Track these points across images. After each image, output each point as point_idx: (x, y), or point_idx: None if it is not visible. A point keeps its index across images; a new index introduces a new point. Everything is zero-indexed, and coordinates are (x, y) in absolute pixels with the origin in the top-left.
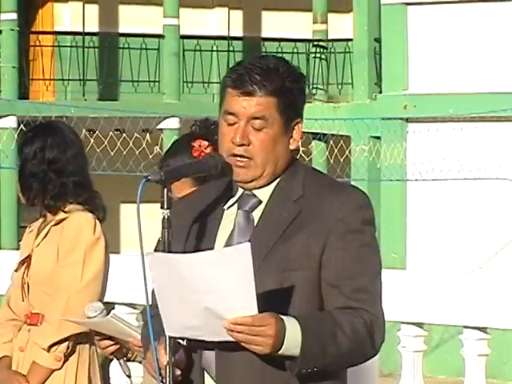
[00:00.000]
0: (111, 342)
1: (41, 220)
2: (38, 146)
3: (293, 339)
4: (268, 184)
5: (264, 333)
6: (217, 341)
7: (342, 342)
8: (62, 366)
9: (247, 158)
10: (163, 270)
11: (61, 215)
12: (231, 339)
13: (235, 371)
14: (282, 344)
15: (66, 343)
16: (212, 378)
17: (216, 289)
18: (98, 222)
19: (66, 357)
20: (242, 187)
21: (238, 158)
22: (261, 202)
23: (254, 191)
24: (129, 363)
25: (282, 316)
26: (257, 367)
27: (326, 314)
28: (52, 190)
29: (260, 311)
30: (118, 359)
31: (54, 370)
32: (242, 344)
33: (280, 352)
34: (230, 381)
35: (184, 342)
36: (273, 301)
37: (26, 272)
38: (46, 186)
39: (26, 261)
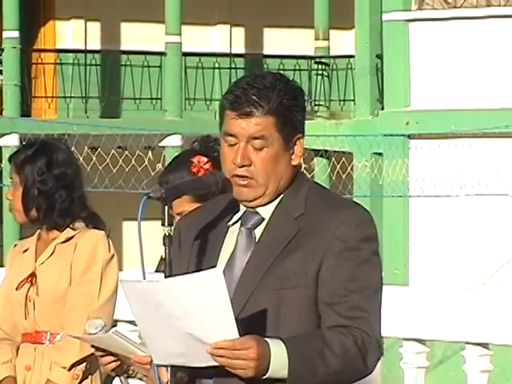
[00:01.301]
0: (112, 359)
1: (34, 238)
2: (43, 163)
3: (279, 361)
4: (271, 201)
5: (246, 356)
6: (204, 366)
7: (331, 361)
8: None
9: (249, 178)
10: (139, 297)
11: (68, 233)
12: (217, 364)
13: None
14: (269, 367)
15: (85, 362)
16: None
17: (193, 314)
18: (109, 239)
19: (83, 376)
20: (245, 206)
21: (241, 178)
22: (263, 219)
23: (257, 208)
24: (130, 380)
25: (266, 339)
26: None
27: (315, 333)
28: (60, 206)
29: (256, 330)
30: (118, 376)
31: None
32: (226, 369)
33: (267, 375)
34: None
35: (169, 370)
36: (270, 319)
37: (33, 290)
38: (55, 203)
39: (29, 279)
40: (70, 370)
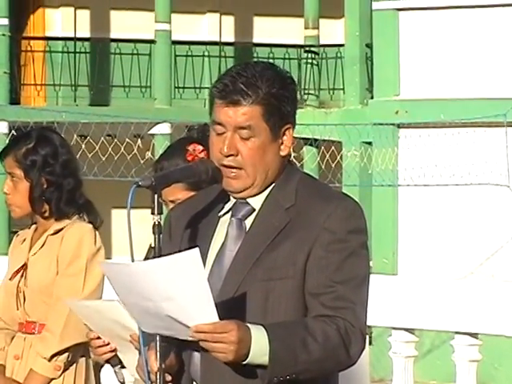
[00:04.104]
0: (108, 349)
1: (32, 229)
2: (49, 152)
3: (260, 347)
4: (261, 192)
5: (226, 339)
6: (191, 340)
7: (313, 349)
8: (61, 376)
9: (237, 168)
10: (119, 277)
11: (58, 224)
12: None
13: (219, 381)
14: (249, 352)
15: (67, 353)
16: None
17: (172, 297)
18: (97, 232)
19: (65, 366)
20: (234, 197)
21: (229, 169)
22: (254, 209)
23: (248, 199)
24: (123, 370)
25: (248, 324)
26: (240, 376)
27: (298, 321)
28: (67, 195)
29: (244, 320)
30: (112, 366)
31: (52, 379)
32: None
33: (248, 360)
34: None
35: (158, 354)
36: (258, 310)
37: (23, 281)
38: (63, 192)
39: (22, 270)
40: (50, 360)
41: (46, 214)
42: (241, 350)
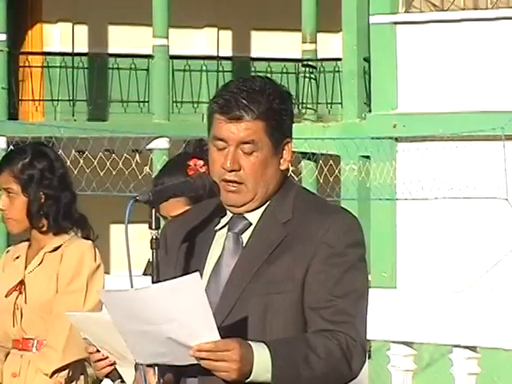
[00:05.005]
0: (107, 362)
1: (25, 245)
2: (45, 166)
3: (262, 364)
4: (259, 206)
5: (228, 357)
6: (188, 364)
7: (316, 365)
8: None
9: (239, 182)
10: (118, 305)
11: (56, 242)
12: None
13: None
14: (252, 370)
15: (67, 369)
16: None
17: (173, 319)
18: (96, 249)
19: (66, 382)
20: (233, 212)
21: (230, 184)
22: (251, 224)
23: (245, 213)
24: None
25: (249, 342)
26: None
27: (300, 337)
28: (64, 208)
29: (243, 335)
30: (112, 381)
31: None
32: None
33: (250, 378)
34: None
35: (156, 369)
36: (257, 324)
37: (21, 298)
38: (61, 205)
39: (18, 287)
40: (51, 376)
41: (44, 229)
42: (243, 368)
